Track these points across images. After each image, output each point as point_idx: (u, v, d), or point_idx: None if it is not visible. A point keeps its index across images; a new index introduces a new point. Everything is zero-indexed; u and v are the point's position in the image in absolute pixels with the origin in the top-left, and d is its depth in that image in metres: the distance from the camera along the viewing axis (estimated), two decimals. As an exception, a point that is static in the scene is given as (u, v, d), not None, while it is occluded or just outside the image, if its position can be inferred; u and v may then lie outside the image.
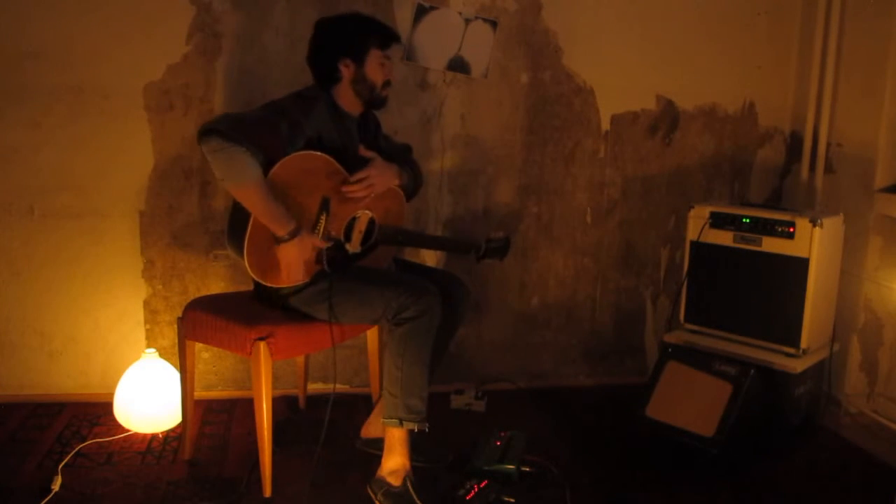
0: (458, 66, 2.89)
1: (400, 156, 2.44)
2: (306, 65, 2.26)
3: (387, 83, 2.30)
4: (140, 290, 2.82)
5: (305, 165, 2.12)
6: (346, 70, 2.24)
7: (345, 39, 2.24)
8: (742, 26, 3.12)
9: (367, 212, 2.30)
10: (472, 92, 2.94)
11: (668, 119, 3.13)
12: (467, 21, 2.86)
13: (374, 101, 2.31)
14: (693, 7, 3.06)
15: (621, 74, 3.04)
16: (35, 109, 2.65)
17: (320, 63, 2.27)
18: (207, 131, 1.97)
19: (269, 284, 2.15)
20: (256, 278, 2.13)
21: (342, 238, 2.26)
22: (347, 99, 2.28)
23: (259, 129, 2.01)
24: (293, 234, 2.06)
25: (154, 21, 2.66)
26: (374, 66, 2.26)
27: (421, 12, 2.81)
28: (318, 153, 2.13)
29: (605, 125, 3.08)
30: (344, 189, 2.19)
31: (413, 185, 2.46)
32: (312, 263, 2.16)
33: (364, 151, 2.28)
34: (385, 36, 2.28)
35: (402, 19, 2.80)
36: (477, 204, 3.03)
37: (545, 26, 2.95)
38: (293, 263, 2.10)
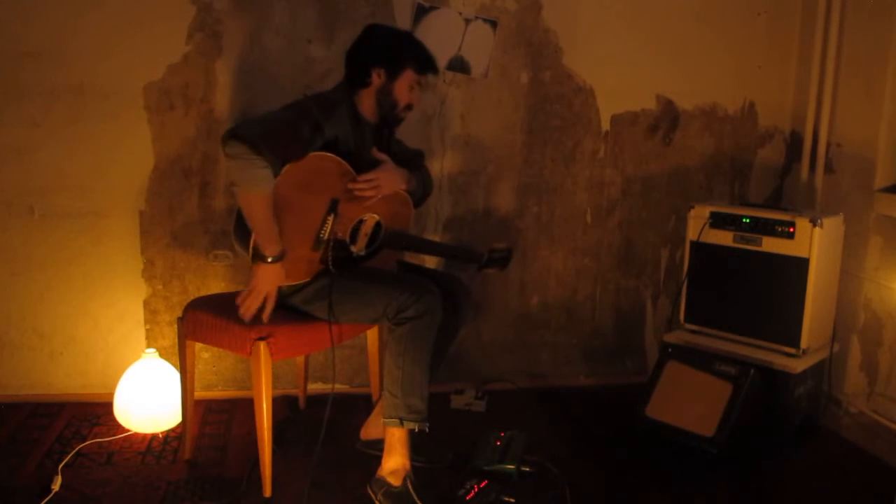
0: (458, 65, 2.89)
1: (411, 161, 2.45)
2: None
3: (409, 106, 2.32)
4: (140, 290, 2.82)
5: (317, 166, 2.13)
6: (377, 79, 2.26)
7: (387, 49, 2.27)
8: (742, 26, 3.12)
9: (374, 215, 2.31)
10: (472, 92, 2.93)
11: (668, 119, 3.13)
12: (467, 21, 2.86)
13: (391, 118, 2.32)
14: (693, 7, 3.06)
15: (621, 74, 3.04)
16: (34, 109, 2.64)
17: (356, 63, 2.29)
18: (234, 136, 1.96)
19: None
20: None
21: (347, 239, 2.27)
22: (368, 106, 2.30)
23: (283, 137, 2.02)
24: (276, 259, 2.07)
25: (154, 21, 2.66)
26: (403, 86, 2.28)
27: (421, 12, 2.81)
28: (331, 155, 2.15)
29: (605, 125, 3.08)
30: (350, 185, 2.20)
31: (422, 191, 2.48)
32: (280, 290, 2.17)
33: (377, 154, 2.30)
34: (424, 62, 2.31)
35: (402, 19, 2.80)
36: (477, 204, 3.03)
37: (545, 26, 2.95)
38: (259, 287, 2.09)
